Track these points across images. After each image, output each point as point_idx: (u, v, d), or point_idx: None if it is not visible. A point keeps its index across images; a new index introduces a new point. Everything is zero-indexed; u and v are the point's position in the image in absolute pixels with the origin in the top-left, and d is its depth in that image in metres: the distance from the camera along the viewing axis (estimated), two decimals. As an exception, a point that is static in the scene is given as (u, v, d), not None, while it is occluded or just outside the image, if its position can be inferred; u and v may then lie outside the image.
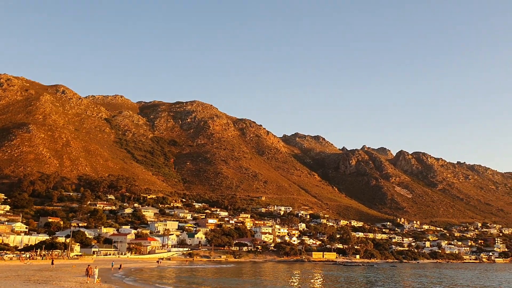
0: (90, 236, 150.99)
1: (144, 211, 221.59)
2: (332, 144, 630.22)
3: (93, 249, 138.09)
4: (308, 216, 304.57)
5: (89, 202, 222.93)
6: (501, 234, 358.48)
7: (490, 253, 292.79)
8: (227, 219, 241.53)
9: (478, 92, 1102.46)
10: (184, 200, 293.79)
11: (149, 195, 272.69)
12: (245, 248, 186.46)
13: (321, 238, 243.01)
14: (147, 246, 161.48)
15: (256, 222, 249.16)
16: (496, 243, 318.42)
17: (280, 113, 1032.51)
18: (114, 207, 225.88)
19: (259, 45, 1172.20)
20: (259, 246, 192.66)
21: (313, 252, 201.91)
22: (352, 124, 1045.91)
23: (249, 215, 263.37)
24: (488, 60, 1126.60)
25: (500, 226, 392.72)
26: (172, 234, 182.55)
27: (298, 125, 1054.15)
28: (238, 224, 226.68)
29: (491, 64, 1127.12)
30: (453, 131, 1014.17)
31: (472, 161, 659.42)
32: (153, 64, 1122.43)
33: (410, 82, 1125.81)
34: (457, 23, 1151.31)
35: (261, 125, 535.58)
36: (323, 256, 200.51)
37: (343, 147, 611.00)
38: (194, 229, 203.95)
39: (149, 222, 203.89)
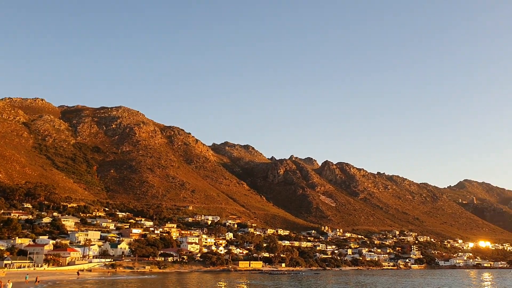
0: (2, 248, 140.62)
1: (64, 220, 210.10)
2: (261, 154, 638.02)
3: (5, 262, 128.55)
4: (235, 226, 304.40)
5: (2, 211, 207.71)
6: (416, 242, 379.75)
7: (407, 260, 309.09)
8: (152, 229, 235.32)
9: (395, 109, 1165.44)
10: (107, 209, 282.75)
11: (69, 204, 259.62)
12: (170, 259, 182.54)
13: (248, 247, 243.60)
14: (66, 257, 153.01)
15: (183, 232, 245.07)
16: (412, 250, 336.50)
17: (210, 122, 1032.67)
18: (30, 216, 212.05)
19: (187, 51, 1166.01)
20: (185, 256, 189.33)
21: (239, 262, 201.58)
22: (281, 134, 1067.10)
23: (175, 225, 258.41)
24: (407, 79, 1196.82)
25: (416, 234, 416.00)
26: (94, 245, 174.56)
27: (228, 134, 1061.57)
28: (164, 234, 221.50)
29: (409, 83, 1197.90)
30: (374, 143, 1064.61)
31: (391, 172, 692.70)
32: (77, 67, 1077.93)
33: (334, 96, 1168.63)
34: (378, 36, 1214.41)
35: (189, 133, 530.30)
36: (249, 265, 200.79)
37: (272, 156, 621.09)
38: (118, 239, 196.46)
39: (69, 232, 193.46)
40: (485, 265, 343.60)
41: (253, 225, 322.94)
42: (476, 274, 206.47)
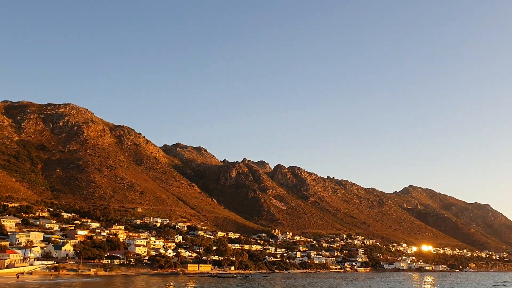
0: None
1: (4, 221, 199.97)
2: (213, 156, 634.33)
3: None
4: (185, 228, 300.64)
5: None
6: (363, 245, 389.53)
7: (354, 263, 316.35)
8: (99, 230, 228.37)
9: (343, 116, 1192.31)
10: (51, 209, 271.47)
11: (11, 204, 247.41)
12: (117, 261, 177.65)
13: (198, 250, 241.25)
14: (5, 259, 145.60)
15: (131, 234, 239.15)
16: (359, 254, 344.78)
17: (162, 122, 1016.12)
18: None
19: (138, 48, 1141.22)
20: (132, 259, 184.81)
21: (188, 265, 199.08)
22: (235, 137, 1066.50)
23: (123, 227, 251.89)
24: (355, 87, 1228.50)
25: (363, 237, 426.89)
26: (36, 246, 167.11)
27: (180, 136, 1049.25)
28: (111, 236, 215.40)
29: (358, 91, 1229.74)
30: (325, 148, 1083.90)
31: (341, 177, 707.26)
32: (23, 62, 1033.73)
33: (287, 101, 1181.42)
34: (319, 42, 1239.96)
35: (140, 133, 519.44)
36: (198, 268, 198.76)
37: (225, 159, 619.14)
38: (62, 240, 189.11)
39: (9, 233, 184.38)
40: (427, 268, 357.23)
41: (203, 228, 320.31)
42: (419, 277, 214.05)
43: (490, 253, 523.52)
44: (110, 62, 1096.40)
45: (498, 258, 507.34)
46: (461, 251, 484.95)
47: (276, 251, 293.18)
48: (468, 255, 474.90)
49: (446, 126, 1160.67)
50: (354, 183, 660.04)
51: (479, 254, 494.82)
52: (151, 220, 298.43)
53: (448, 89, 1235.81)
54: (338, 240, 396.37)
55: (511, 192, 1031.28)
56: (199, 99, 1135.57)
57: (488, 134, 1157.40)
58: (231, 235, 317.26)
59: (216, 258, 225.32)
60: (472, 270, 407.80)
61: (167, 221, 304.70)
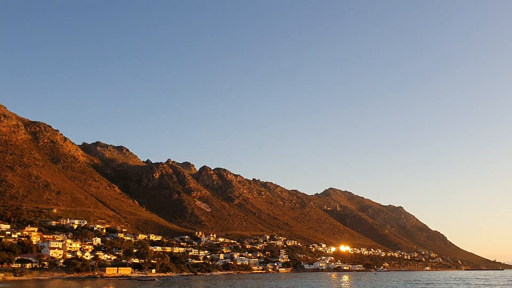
0: None
1: None
2: (136, 156, 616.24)
3: None
4: (104, 230, 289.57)
5: None
6: (285, 246, 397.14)
7: (275, 264, 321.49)
8: (9, 232, 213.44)
9: (268, 118, 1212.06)
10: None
11: None
12: (28, 265, 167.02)
13: (117, 253, 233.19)
14: None
15: (45, 236, 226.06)
16: (281, 254, 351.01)
17: (81, 119, 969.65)
18: None
19: (56, 38, 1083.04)
20: (46, 263, 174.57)
21: (107, 268, 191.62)
22: (158, 137, 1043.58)
23: (36, 229, 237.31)
24: (283, 90, 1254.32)
25: (285, 238, 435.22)
26: None
27: (100, 134, 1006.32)
28: (22, 239, 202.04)
29: (285, 93, 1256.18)
30: (251, 150, 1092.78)
31: (266, 179, 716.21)
32: None
33: (211, 102, 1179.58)
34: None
35: (58, 130, 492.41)
36: (117, 272, 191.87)
37: (148, 159, 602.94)
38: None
39: None
40: (345, 268, 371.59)
41: (123, 230, 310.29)
42: (337, 277, 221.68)
43: (403, 253, 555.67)
44: (25, 54, 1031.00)
45: (409, 258, 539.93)
46: (376, 251, 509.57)
47: (199, 253, 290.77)
48: (383, 255, 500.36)
49: (363, 132, 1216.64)
50: (279, 185, 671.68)
51: (392, 254, 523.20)
52: (68, 222, 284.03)
53: (367, 95, 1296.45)
54: (261, 241, 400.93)
55: (422, 196, 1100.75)
56: (121, 95, 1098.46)
57: (401, 140, 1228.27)
58: (153, 237, 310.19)
59: (136, 261, 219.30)
60: (386, 269, 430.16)
61: (85, 223, 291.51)
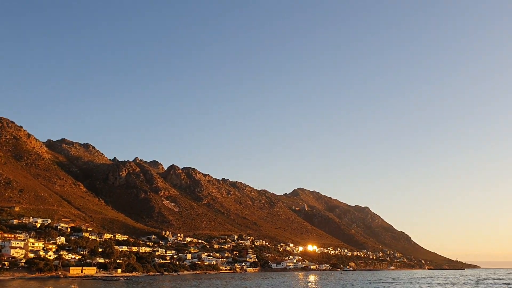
0: None
1: None
2: (102, 154, 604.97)
3: None
4: (69, 229, 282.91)
5: None
6: (253, 246, 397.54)
7: (243, 263, 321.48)
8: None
9: (239, 117, 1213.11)
10: None
11: None
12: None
13: (82, 252, 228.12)
14: None
15: (6, 235, 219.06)
16: (249, 254, 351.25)
17: (46, 115, 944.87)
18: None
19: (22, 33, 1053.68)
20: (6, 262, 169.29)
21: (71, 268, 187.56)
22: (126, 134, 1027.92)
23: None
24: (250, 90, 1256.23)
25: (253, 238, 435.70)
26: None
27: (66, 131, 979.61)
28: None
29: (251, 93, 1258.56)
30: (221, 149, 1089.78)
31: (235, 178, 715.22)
32: None
33: (180, 100, 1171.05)
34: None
35: (21, 126, 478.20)
36: (82, 271, 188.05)
37: (115, 157, 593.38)
38: None
39: None
40: (312, 267, 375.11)
41: (88, 229, 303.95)
42: (304, 276, 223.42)
43: (368, 252, 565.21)
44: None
45: (375, 258, 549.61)
46: (342, 250, 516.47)
47: (166, 253, 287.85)
48: (349, 254, 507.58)
49: (332, 133, 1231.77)
50: (248, 185, 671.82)
51: (358, 254, 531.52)
52: (31, 220, 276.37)
53: (335, 96, 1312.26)
54: (230, 241, 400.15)
55: (388, 197, 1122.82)
56: (88, 91, 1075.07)
57: (368, 143, 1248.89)
58: (119, 237, 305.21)
59: (102, 260, 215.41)
60: (352, 269, 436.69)
61: (49, 222, 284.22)
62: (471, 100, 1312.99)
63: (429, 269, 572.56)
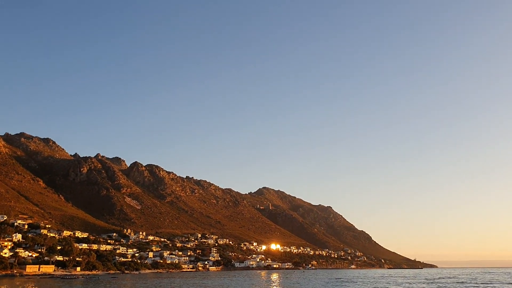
0: None
1: None
2: (63, 149, 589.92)
3: None
4: (26, 226, 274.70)
5: None
6: (216, 244, 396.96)
7: (206, 262, 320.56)
8: None
9: (204, 115, 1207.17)
10: None
11: None
12: None
13: (40, 250, 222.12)
14: None
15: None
16: (212, 253, 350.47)
17: (4, 109, 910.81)
18: None
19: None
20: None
21: (27, 266, 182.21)
22: (88, 130, 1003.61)
23: None
24: (207, 89, 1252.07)
25: (217, 237, 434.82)
26: None
27: (25, 125, 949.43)
28: None
29: (219, 92, 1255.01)
30: (185, 147, 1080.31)
31: (200, 177, 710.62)
32: None
33: (145, 97, 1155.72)
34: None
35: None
36: (39, 270, 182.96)
37: (76, 153, 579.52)
38: None
39: None
40: (274, 266, 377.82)
41: (47, 226, 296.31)
42: (266, 275, 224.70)
43: (330, 251, 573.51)
44: None
45: (336, 256, 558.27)
46: (305, 249, 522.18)
47: (127, 251, 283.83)
48: (311, 253, 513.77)
49: (297, 133, 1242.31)
50: (212, 184, 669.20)
51: (320, 253, 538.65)
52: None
53: (300, 95, 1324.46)
54: (193, 239, 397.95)
55: (350, 197, 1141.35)
56: (49, 85, 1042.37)
57: (332, 143, 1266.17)
58: (79, 234, 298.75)
59: (60, 258, 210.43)
60: (313, 267, 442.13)
61: (5, 218, 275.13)
62: (432, 100, 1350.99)
63: (388, 268, 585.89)
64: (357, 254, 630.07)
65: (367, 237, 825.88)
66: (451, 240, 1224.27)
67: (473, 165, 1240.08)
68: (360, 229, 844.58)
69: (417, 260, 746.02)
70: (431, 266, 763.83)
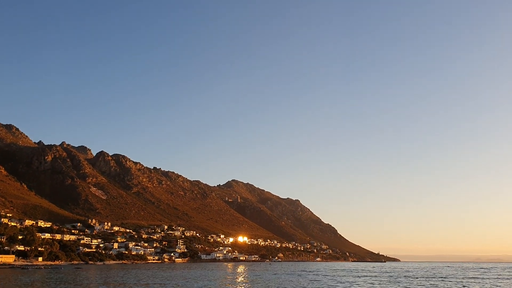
0: None
1: None
2: (27, 137, 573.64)
3: None
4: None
5: None
6: (183, 236, 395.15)
7: (172, 254, 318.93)
8: None
9: (174, 107, 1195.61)
10: None
11: None
12: None
13: (0, 239, 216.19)
14: None
15: None
16: (178, 245, 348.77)
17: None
18: None
19: None
20: None
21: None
22: (53, 117, 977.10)
23: None
24: (191, 84, 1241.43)
25: (184, 229, 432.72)
26: None
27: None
28: None
29: (191, 86, 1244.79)
30: (153, 138, 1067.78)
31: (167, 168, 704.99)
32: None
33: (112, 83, 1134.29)
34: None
35: None
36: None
37: (40, 141, 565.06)
38: None
39: None
40: (241, 258, 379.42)
41: (8, 215, 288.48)
42: (233, 267, 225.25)
43: (296, 244, 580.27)
44: None
45: (302, 249, 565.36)
46: (272, 242, 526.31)
47: (91, 242, 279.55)
48: (278, 246, 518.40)
49: (267, 127, 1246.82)
50: (181, 175, 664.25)
51: (287, 245, 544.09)
52: None
53: (275, 90, 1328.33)
54: (159, 231, 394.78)
55: (317, 190, 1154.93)
56: (13, 69, 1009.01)
57: (301, 138, 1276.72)
58: (42, 223, 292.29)
59: (21, 248, 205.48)
60: (280, 260, 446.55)
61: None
62: (397, 96, 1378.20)
63: (353, 261, 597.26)
64: (322, 247, 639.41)
65: (333, 231, 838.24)
66: (414, 236, 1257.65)
67: (436, 161, 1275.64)
68: (326, 223, 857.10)
69: (380, 253, 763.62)
70: (394, 259, 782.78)
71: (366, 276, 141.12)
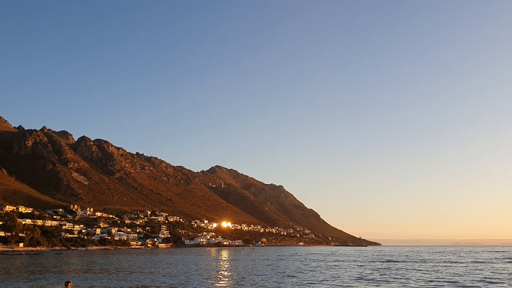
0: None
1: None
2: (6, 121, 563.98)
3: None
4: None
5: None
6: (166, 222, 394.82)
7: (155, 239, 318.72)
8: None
9: (156, 93, 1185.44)
10: None
11: None
12: None
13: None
14: None
15: None
16: (161, 230, 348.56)
17: None
18: None
19: None
20: None
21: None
22: (34, 101, 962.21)
23: None
24: (181, 78, 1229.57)
25: (167, 214, 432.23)
26: None
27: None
28: None
29: (180, 80, 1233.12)
30: (135, 122, 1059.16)
31: (150, 153, 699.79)
32: None
33: (94, 68, 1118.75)
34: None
35: None
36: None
37: (20, 125, 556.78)
38: None
39: None
40: (225, 243, 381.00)
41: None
42: (216, 251, 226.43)
43: (280, 229, 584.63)
44: None
45: (285, 234, 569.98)
46: (255, 227, 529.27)
47: (73, 228, 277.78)
48: (261, 231, 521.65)
49: (251, 114, 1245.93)
50: (164, 161, 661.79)
51: (270, 230, 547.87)
52: None
53: (251, 80, 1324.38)
54: (142, 216, 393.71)
55: (301, 176, 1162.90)
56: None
57: (285, 122, 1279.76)
58: (23, 209, 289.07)
59: (2, 234, 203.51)
60: (263, 244, 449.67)
61: None
62: (377, 83, 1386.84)
63: (335, 245, 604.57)
64: (305, 231, 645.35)
65: (316, 216, 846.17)
66: (395, 221, 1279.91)
67: (415, 149, 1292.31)
68: (309, 208, 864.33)
69: (362, 238, 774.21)
70: (376, 244, 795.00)
71: (344, 261, 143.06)
